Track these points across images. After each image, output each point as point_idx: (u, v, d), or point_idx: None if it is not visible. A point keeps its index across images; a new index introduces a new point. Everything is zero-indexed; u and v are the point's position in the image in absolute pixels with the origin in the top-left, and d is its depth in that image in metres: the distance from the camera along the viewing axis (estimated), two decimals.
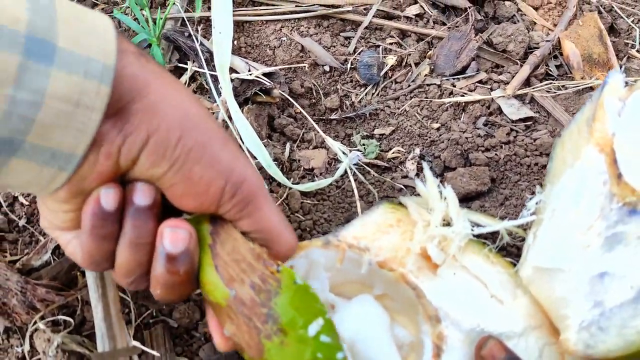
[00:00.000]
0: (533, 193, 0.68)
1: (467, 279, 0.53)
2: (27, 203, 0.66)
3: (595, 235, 0.49)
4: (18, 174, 0.34)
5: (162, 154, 0.37)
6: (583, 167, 0.51)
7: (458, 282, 0.52)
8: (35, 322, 0.55)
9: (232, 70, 0.74)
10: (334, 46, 0.81)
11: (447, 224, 0.55)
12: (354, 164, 0.70)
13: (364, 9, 0.82)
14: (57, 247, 0.63)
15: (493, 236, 0.60)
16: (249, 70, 0.73)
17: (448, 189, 0.53)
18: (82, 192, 0.37)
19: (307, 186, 0.67)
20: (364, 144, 0.74)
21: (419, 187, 0.54)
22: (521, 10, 0.83)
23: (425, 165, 0.57)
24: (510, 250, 0.61)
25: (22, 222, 0.65)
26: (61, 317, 0.57)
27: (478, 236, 0.55)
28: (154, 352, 0.55)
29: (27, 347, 0.56)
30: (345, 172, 0.69)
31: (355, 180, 0.69)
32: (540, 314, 0.52)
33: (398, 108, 0.77)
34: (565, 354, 0.49)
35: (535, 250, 0.54)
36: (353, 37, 0.81)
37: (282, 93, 0.73)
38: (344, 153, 0.69)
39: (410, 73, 0.79)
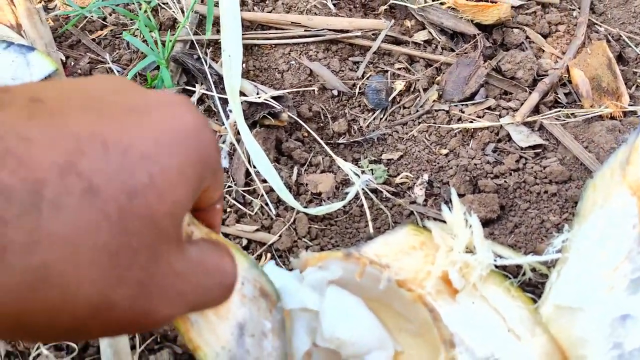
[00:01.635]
0: (543, 222, 0.67)
1: (486, 309, 0.52)
2: None
3: (620, 277, 0.48)
4: None
5: None
6: (613, 209, 0.51)
7: (476, 311, 0.51)
8: (38, 347, 0.54)
9: (241, 93, 0.74)
10: (343, 70, 0.81)
11: (470, 252, 0.54)
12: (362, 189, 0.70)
13: (373, 35, 0.83)
14: None
15: (515, 270, 0.59)
16: (258, 94, 0.73)
17: (474, 218, 0.53)
18: None
19: (318, 210, 0.67)
20: (371, 169, 0.73)
21: (444, 213, 0.54)
22: (529, 38, 0.83)
23: (453, 191, 0.56)
24: (532, 286, 0.60)
25: None
26: (64, 342, 0.56)
27: (500, 269, 0.54)
28: None
29: None
30: (354, 196, 0.69)
31: (364, 205, 0.68)
32: (558, 355, 0.50)
33: (406, 133, 0.76)
34: None
35: (558, 289, 0.53)
36: (361, 62, 0.81)
37: (292, 115, 0.73)
38: (355, 174, 0.68)
39: (418, 98, 0.79)
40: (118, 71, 0.79)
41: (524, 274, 0.56)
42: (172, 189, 0.25)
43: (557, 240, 0.54)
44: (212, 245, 0.33)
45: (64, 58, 0.79)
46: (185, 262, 0.27)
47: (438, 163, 0.73)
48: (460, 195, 0.70)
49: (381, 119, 0.79)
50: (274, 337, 0.41)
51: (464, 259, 0.52)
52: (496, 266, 0.54)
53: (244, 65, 0.79)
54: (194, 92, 0.76)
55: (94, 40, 0.83)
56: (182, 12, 0.82)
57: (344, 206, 0.69)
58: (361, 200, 0.68)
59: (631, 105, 0.75)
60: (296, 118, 0.73)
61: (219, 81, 0.75)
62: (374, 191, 0.70)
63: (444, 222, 0.58)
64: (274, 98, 0.74)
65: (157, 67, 0.78)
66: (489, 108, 0.77)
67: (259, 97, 0.72)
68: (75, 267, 0.22)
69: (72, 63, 0.80)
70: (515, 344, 0.50)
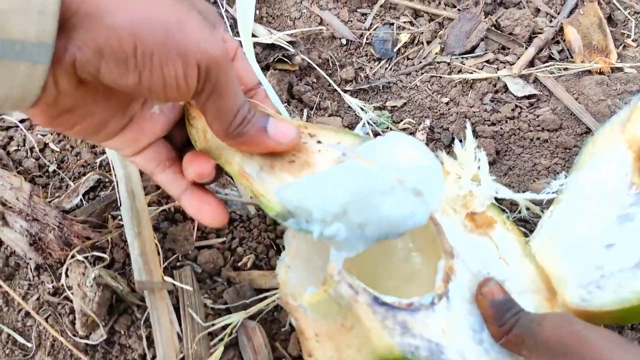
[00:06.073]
0: (534, 165, 0.73)
1: (482, 236, 0.57)
2: (57, 149, 0.69)
3: (609, 213, 0.54)
4: None
5: (123, 66, 0.35)
6: (610, 159, 0.57)
7: (472, 236, 0.57)
8: (72, 256, 0.58)
9: (255, 37, 0.78)
10: (351, 21, 0.85)
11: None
12: (366, 133, 0.74)
13: None
14: (87, 191, 0.65)
15: (512, 208, 0.64)
16: (271, 33, 0.77)
17: (482, 154, 0.57)
18: (61, 113, 0.38)
19: None
20: (377, 115, 0.78)
21: (457, 147, 0.59)
22: None
23: (468, 125, 0.61)
24: (525, 222, 0.65)
25: (52, 167, 0.67)
26: (95, 254, 0.60)
27: (499, 203, 0.59)
28: (187, 287, 0.58)
29: (62, 281, 0.58)
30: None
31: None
32: (541, 283, 0.56)
33: (410, 82, 0.81)
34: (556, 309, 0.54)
35: (550, 225, 0.59)
36: (369, 14, 0.86)
37: (305, 58, 0.77)
38: (361, 109, 0.73)
39: (422, 50, 0.84)
40: None
41: (519, 211, 0.62)
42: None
43: (555, 183, 0.60)
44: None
45: None
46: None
47: (439, 110, 0.78)
48: (459, 141, 0.75)
49: (386, 68, 0.83)
50: None
51: (471, 187, 0.57)
52: (496, 200, 0.60)
53: (257, 11, 0.82)
54: None
55: None
56: None
57: None
58: (367, 135, 0.73)
59: (618, 62, 0.81)
60: (309, 60, 0.77)
61: (235, 25, 0.79)
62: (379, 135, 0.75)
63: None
64: (287, 43, 0.78)
65: None
66: (487, 61, 0.82)
67: (272, 37, 0.76)
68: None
69: None
70: (504, 268, 0.55)
